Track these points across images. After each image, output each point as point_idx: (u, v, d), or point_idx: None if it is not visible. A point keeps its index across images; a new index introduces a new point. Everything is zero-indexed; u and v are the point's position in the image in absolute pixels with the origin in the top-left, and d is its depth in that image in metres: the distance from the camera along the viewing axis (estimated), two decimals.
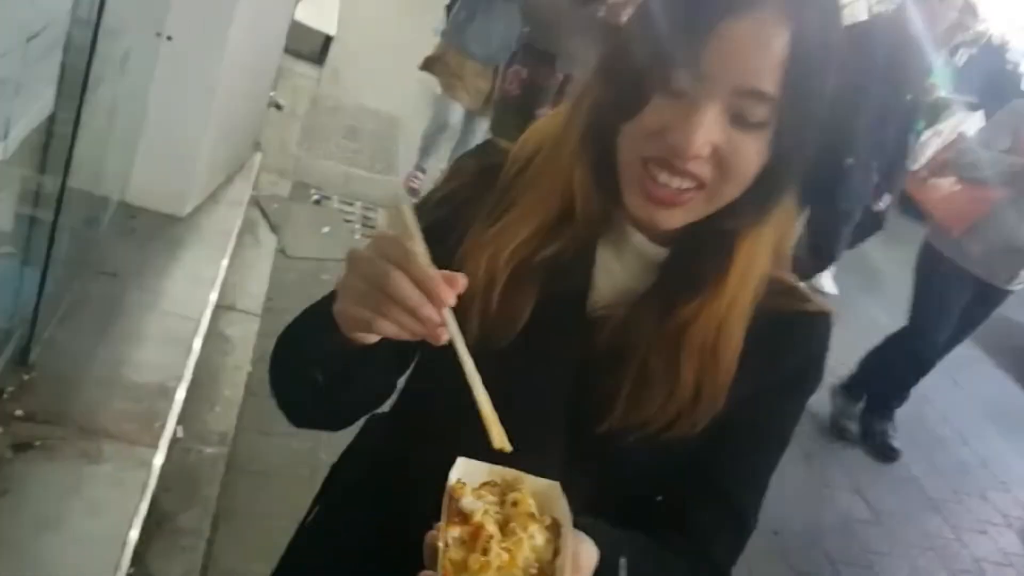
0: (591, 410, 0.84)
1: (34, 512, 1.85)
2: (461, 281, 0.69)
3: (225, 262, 3.14)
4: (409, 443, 0.82)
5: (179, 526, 2.20)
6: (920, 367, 3.84)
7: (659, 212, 0.79)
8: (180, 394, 2.37)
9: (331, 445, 2.71)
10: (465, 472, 0.70)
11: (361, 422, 1.03)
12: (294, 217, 4.01)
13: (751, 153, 0.76)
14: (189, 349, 2.56)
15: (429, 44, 4.53)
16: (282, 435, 2.73)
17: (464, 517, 0.67)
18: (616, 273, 0.87)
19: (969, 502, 3.85)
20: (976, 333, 3.87)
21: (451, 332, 0.70)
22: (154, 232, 3.00)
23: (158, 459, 2.14)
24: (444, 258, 0.76)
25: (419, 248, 0.70)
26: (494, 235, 0.84)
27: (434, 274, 0.68)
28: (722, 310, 0.82)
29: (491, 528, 0.66)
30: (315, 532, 1.09)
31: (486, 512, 0.68)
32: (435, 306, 0.68)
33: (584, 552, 0.71)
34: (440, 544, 0.66)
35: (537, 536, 0.67)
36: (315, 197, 4.31)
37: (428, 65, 4.38)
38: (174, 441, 2.33)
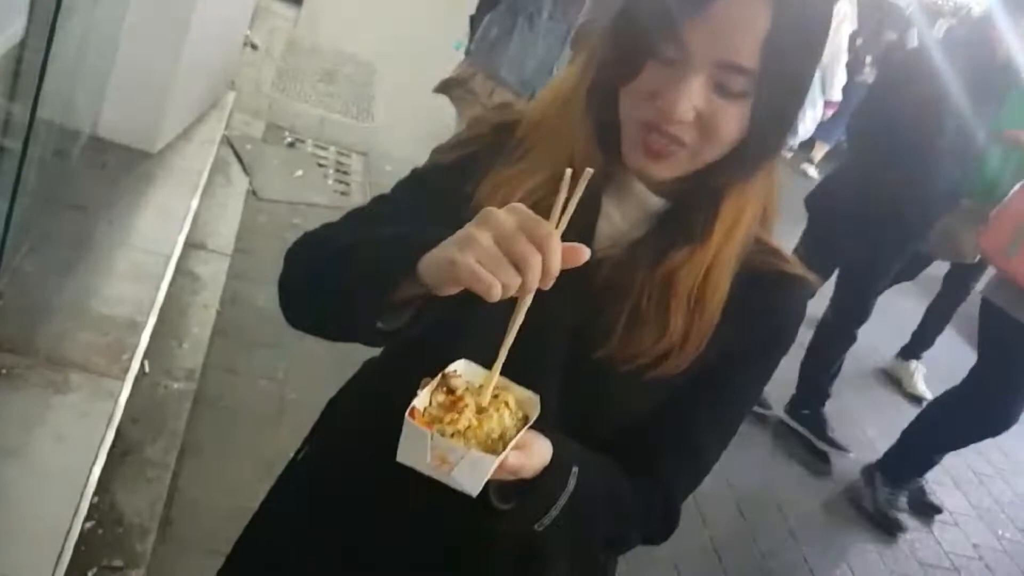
0: (590, 336, 0.89)
1: None
2: (580, 255, 0.73)
3: (196, 201, 3.13)
4: (408, 382, 0.86)
5: (145, 457, 2.22)
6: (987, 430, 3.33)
7: (651, 164, 0.86)
8: (148, 328, 2.39)
9: (298, 385, 2.76)
10: (464, 369, 0.81)
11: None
12: (267, 159, 3.98)
13: (731, 120, 0.83)
14: (158, 285, 2.57)
15: None
16: (249, 375, 2.76)
17: (450, 391, 0.79)
18: (616, 220, 0.93)
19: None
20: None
21: (521, 303, 0.75)
22: (125, 167, 2.98)
23: (124, 391, 2.16)
24: (462, 198, 0.86)
25: (553, 228, 0.72)
26: (508, 177, 0.91)
27: (558, 251, 0.71)
28: (708, 258, 0.89)
29: (469, 401, 0.78)
30: (308, 468, 1.12)
31: (468, 390, 0.79)
32: (548, 278, 0.71)
33: (537, 444, 0.81)
34: (421, 393, 0.77)
35: (506, 418, 0.78)
36: (289, 140, 4.28)
37: (446, 88, 3.65)
38: (141, 375, 2.35)
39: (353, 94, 5.11)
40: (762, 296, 0.93)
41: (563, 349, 0.89)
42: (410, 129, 4.99)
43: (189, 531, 2.19)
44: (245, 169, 3.79)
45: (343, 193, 4.04)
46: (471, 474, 0.75)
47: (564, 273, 0.84)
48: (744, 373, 0.97)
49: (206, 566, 2.14)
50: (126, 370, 2.19)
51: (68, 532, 1.78)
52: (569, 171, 0.75)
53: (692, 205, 0.90)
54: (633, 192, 0.92)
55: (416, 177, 1.01)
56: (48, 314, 2.23)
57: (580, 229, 0.88)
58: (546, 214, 0.82)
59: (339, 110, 4.84)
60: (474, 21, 3.58)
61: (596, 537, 0.95)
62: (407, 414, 0.75)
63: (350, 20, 6.13)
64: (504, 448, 0.76)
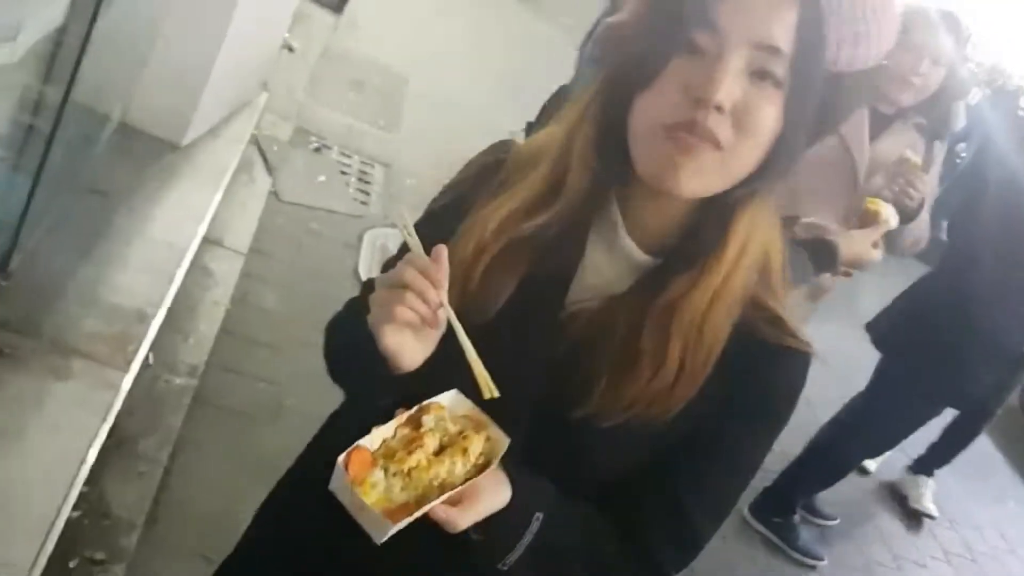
0: (566, 397, 0.87)
1: None
2: (440, 252, 0.81)
3: (218, 197, 3.13)
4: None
5: (138, 451, 2.21)
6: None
7: (678, 167, 0.80)
8: (156, 321, 2.38)
9: (297, 392, 2.74)
10: (451, 401, 0.84)
11: None
12: (291, 162, 3.99)
13: (768, 113, 0.79)
14: (171, 278, 2.56)
15: (449, 7, 4.47)
16: (251, 376, 2.75)
17: (417, 426, 0.82)
18: (603, 271, 0.90)
19: (914, 536, 3.91)
20: None
21: (445, 307, 0.82)
22: (150, 157, 2.98)
23: (126, 383, 2.14)
24: (446, 241, 0.85)
25: (416, 247, 0.83)
26: (485, 212, 0.89)
27: (426, 260, 0.81)
28: (715, 285, 0.85)
29: (428, 442, 0.80)
30: (292, 490, 1.13)
31: (432, 431, 0.81)
32: (435, 286, 0.80)
33: (486, 493, 0.81)
34: (384, 427, 0.82)
35: (458, 465, 0.80)
36: (315, 145, 4.29)
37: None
38: (144, 367, 2.34)
39: (383, 105, 5.12)
40: (759, 367, 0.89)
41: (531, 410, 0.87)
42: (435, 146, 4.99)
43: (175, 531, 2.16)
44: (269, 170, 3.79)
45: (363, 202, 4.04)
46: (371, 526, 0.78)
47: (537, 325, 0.89)
48: (734, 439, 0.92)
49: (189, 568, 2.13)
50: (130, 361, 2.18)
51: (55, 520, 1.76)
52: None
53: (699, 230, 0.86)
54: (622, 246, 0.89)
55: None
56: (58, 298, 2.23)
57: (561, 274, 0.90)
58: (527, 250, 0.88)
59: (367, 120, 4.85)
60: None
61: None
62: (344, 454, 0.79)
63: (388, 32, 6.16)
64: (434, 496, 0.78)
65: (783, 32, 0.77)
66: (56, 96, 2.10)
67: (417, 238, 0.84)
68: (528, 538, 0.83)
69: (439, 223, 0.92)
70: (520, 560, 0.84)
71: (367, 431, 0.82)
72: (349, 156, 4.38)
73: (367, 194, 4.14)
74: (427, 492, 0.79)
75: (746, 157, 0.81)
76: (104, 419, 2.01)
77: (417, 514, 0.77)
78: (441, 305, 0.81)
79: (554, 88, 2.80)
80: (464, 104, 5.70)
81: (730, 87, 0.77)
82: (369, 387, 0.91)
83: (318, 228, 3.68)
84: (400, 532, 0.83)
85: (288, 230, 3.56)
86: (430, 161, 4.72)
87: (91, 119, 2.63)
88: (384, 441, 0.82)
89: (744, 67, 0.77)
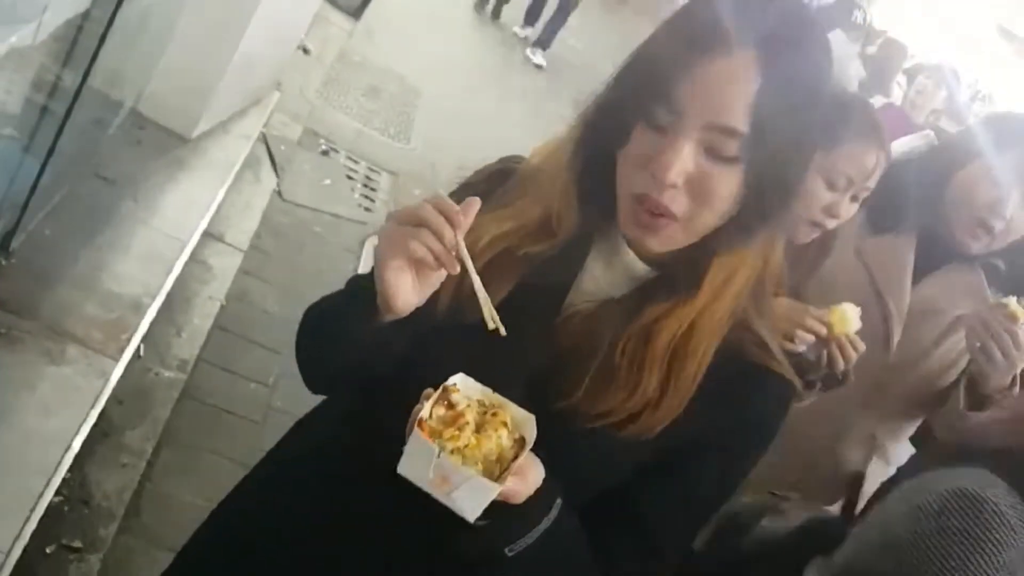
0: (550, 389, 0.88)
1: None
2: (473, 203, 0.82)
3: (222, 192, 3.13)
4: (385, 407, 0.85)
5: (123, 442, 2.20)
6: None
7: (645, 238, 0.86)
8: (152, 312, 2.37)
9: (287, 394, 2.73)
10: (462, 383, 0.82)
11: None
12: (298, 163, 4.00)
13: (724, 185, 0.81)
14: (170, 269, 2.56)
15: (467, 20, 4.50)
16: (242, 375, 2.74)
17: (451, 405, 0.79)
18: (600, 279, 0.93)
19: None
20: None
21: (461, 253, 0.82)
22: (159, 148, 2.99)
23: (117, 371, 2.14)
24: None
25: (442, 193, 0.84)
26: (481, 221, 0.90)
27: (451, 202, 0.82)
28: (691, 314, 0.87)
29: (469, 418, 0.78)
30: (267, 481, 1.10)
31: (469, 407, 0.79)
32: (453, 227, 0.80)
33: (533, 469, 0.80)
34: (425, 404, 0.78)
35: (504, 439, 0.78)
36: (323, 147, 4.30)
37: None
38: (135, 358, 2.33)
39: (394, 113, 5.14)
40: (741, 386, 0.90)
41: (518, 398, 0.86)
42: (444, 158, 5.02)
43: (154, 524, 2.15)
44: (276, 169, 3.80)
45: (367, 209, 4.05)
46: (471, 498, 0.75)
47: (531, 326, 0.89)
48: (710, 460, 0.92)
49: (165, 562, 2.11)
50: (122, 350, 2.17)
51: (36, 503, 1.75)
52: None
53: (680, 263, 0.89)
54: (621, 255, 0.92)
55: None
56: (57, 281, 2.22)
57: (559, 281, 0.93)
58: (524, 262, 0.90)
59: (377, 127, 4.87)
60: None
61: None
62: (416, 425, 0.76)
63: (405, 42, 6.19)
64: (502, 472, 0.76)
65: (739, 113, 0.79)
66: (73, 80, 2.11)
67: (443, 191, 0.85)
68: (548, 520, 0.82)
69: None
70: (528, 549, 0.82)
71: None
72: (356, 161, 4.39)
73: (372, 200, 4.15)
74: (488, 467, 0.77)
75: (708, 220, 0.84)
76: (93, 406, 2.00)
77: (500, 487, 0.75)
78: (456, 247, 0.81)
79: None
80: (476, 119, 5.73)
81: (682, 166, 0.80)
82: (346, 344, 0.90)
83: (320, 231, 3.68)
84: (386, 519, 0.85)
85: (290, 230, 3.56)
86: (439, 174, 4.74)
87: (104, 105, 2.63)
88: (425, 422, 0.78)
89: (698, 145, 0.80)
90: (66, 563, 1.87)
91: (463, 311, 0.87)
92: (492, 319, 0.82)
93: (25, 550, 1.71)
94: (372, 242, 3.96)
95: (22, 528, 1.69)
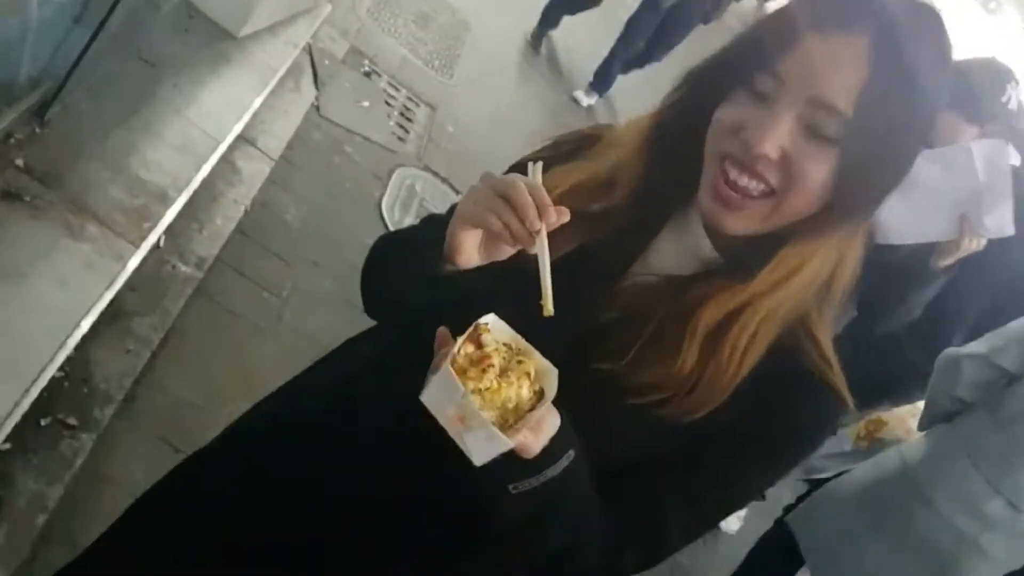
0: (596, 351, 0.86)
1: (2, 261, 1.83)
2: (565, 213, 0.80)
3: (262, 97, 3.08)
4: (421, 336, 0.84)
5: (131, 328, 2.19)
6: None
7: (723, 213, 0.83)
8: (178, 205, 2.35)
9: (296, 310, 2.72)
10: (493, 325, 0.80)
11: None
12: (340, 80, 3.94)
13: (818, 166, 0.79)
14: (200, 165, 2.53)
15: None
16: (256, 282, 2.72)
17: (480, 345, 0.78)
18: (666, 257, 0.91)
19: None
20: None
21: (540, 243, 0.80)
22: (206, 40, 2.93)
23: (134, 259, 2.12)
24: None
25: (541, 184, 0.82)
26: (553, 174, 0.90)
27: (541, 188, 0.80)
28: (738, 299, 0.84)
29: (496, 361, 0.78)
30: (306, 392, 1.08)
31: (497, 350, 0.79)
32: (541, 217, 0.79)
33: (548, 422, 0.78)
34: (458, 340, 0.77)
35: (524, 390, 0.77)
36: (366, 69, 4.23)
37: None
38: (154, 248, 2.31)
39: (441, 46, 5.05)
40: (792, 393, 0.87)
41: (564, 355, 0.82)
42: (484, 99, 4.94)
43: (149, 413, 2.15)
44: (317, 83, 3.74)
45: (400, 138, 4.00)
46: (482, 446, 0.75)
47: (587, 285, 0.88)
48: (741, 461, 0.89)
49: (155, 452, 2.12)
50: (143, 239, 2.16)
51: (39, 375, 1.75)
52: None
53: (745, 260, 0.86)
54: (693, 234, 0.89)
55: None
56: (87, 158, 2.19)
57: (625, 251, 0.91)
58: (576, 221, 0.85)
59: (423, 56, 4.78)
60: None
61: (552, 531, 0.85)
62: (448, 361, 0.74)
63: None
64: (516, 420, 0.76)
65: (846, 91, 0.77)
66: None
67: (540, 173, 0.84)
68: (555, 471, 0.79)
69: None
70: (531, 492, 0.78)
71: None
72: (398, 89, 4.32)
73: (406, 131, 4.09)
74: (503, 414, 0.77)
75: (793, 206, 0.82)
76: (108, 287, 1.99)
77: (512, 444, 0.74)
78: (537, 232, 0.80)
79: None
80: (521, 63, 5.63)
81: (778, 138, 0.78)
82: (409, 277, 0.90)
83: (351, 151, 3.64)
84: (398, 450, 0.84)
85: (322, 146, 3.51)
86: (476, 114, 4.67)
87: None
88: (452, 357, 0.77)
89: (798, 121, 0.78)
90: (59, 438, 1.87)
91: (525, 256, 0.84)
92: (548, 305, 0.80)
93: (22, 419, 1.71)
94: (401, 173, 3.94)
95: (23, 396, 1.69)
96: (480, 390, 0.76)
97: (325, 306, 2.77)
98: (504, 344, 0.80)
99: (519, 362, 0.79)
